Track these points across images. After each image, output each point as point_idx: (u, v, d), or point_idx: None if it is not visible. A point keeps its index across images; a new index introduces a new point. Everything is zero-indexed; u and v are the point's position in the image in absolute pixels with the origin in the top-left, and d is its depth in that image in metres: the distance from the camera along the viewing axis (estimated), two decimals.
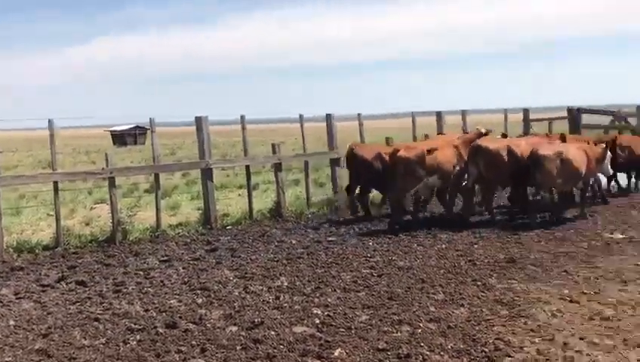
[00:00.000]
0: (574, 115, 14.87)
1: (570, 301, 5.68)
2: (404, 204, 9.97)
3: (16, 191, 14.59)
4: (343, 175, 11.36)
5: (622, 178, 12.39)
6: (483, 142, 9.66)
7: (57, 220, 8.78)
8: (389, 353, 4.63)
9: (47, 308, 5.98)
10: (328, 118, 11.59)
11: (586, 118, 16.01)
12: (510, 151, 9.45)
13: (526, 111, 15.93)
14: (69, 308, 5.95)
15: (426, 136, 12.14)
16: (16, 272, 7.43)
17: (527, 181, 9.60)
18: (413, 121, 13.04)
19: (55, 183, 8.96)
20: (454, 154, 9.71)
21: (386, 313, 5.53)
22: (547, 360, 4.40)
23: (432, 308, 5.60)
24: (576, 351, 4.50)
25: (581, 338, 4.75)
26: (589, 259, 7.21)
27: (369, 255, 7.80)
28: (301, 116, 11.36)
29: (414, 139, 12.64)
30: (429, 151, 9.37)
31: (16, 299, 6.34)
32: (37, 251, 8.44)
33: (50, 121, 8.88)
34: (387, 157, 9.80)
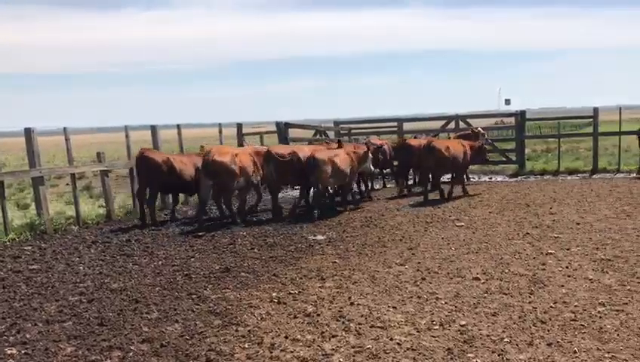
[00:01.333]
0: (281, 129, 16.07)
1: (278, 302, 6.08)
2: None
3: None
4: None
5: None
6: (273, 149, 11.52)
7: None
8: None
9: None
10: (28, 132, 10.42)
11: (292, 132, 17.43)
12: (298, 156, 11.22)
13: (239, 125, 16.73)
14: None
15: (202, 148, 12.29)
16: None
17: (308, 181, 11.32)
18: (127, 135, 12.55)
19: None
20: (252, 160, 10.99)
21: (94, 341, 5.18)
22: None
23: (146, 329, 5.43)
24: (282, 350, 4.82)
25: (286, 337, 5.10)
26: (295, 261, 7.83)
27: (78, 280, 7.23)
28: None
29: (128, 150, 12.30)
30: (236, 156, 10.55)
31: None
32: None
33: None
34: (177, 163, 10.96)
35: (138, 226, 10.77)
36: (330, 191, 12.58)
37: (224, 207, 10.90)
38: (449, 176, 14.13)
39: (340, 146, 12.56)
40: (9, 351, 4.97)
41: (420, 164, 13.40)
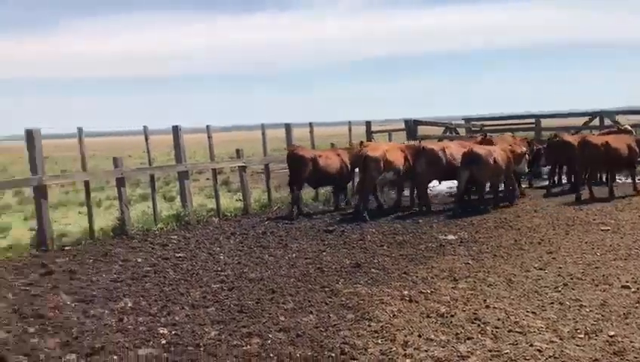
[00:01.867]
0: (410, 126, 15.92)
1: (410, 300, 6.04)
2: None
3: None
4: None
5: None
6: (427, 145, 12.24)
7: None
8: None
9: None
10: (175, 130, 11.26)
11: (421, 129, 17.24)
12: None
13: (368, 123, 16.82)
14: None
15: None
16: None
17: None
18: (263, 133, 13.10)
19: None
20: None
21: (235, 326, 5.48)
22: (390, 359, 4.62)
23: (282, 318, 5.65)
24: (415, 349, 4.79)
25: (419, 336, 5.06)
26: (426, 260, 7.73)
27: (220, 269, 7.69)
28: (145, 128, 10.92)
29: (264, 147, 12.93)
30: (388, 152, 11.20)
31: None
32: None
33: None
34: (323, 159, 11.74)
35: (273, 219, 11.22)
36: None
37: (377, 196, 11.87)
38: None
39: (490, 142, 12.42)
40: (161, 331, 5.41)
41: (579, 161, 12.41)
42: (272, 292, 6.50)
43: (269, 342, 5.07)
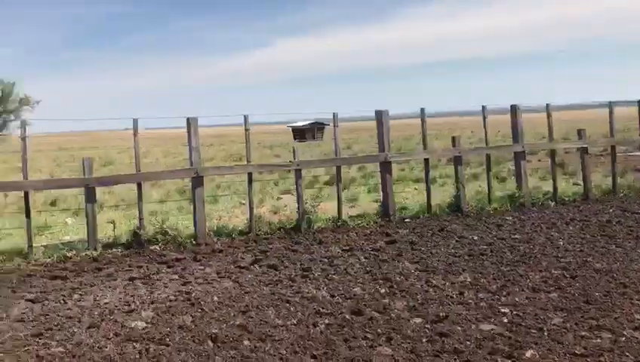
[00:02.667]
0: None
1: None
2: None
3: (213, 181, 16.06)
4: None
5: None
6: None
7: (251, 208, 9.51)
8: (587, 359, 4.31)
9: (244, 288, 6.48)
10: (513, 109, 11.05)
11: None
12: None
13: None
14: (263, 289, 6.40)
15: None
16: (217, 254, 8.18)
17: None
18: (611, 112, 11.88)
19: (249, 174, 9.71)
20: None
21: (582, 317, 5.16)
22: None
23: (638, 316, 5.10)
24: None
25: None
26: None
27: (560, 255, 7.32)
28: (484, 108, 10.96)
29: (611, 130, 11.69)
30: None
31: (218, 277, 6.97)
32: (233, 236, 9.20)
33: (245, 117, 9.61)
34: None
35: (618, 207, 10.17)
36: None
37: None
38: None
39: None
40: (502, 310, 5.43)
41: None
42: (624, 287, 5.91)
43: (623, 339, 4.63)
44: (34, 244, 8.37)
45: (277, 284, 6.58)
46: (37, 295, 6.46)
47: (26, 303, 6.19)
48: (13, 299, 6.39)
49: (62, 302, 6.21)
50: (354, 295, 6.06)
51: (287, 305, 5.82)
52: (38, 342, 5.06)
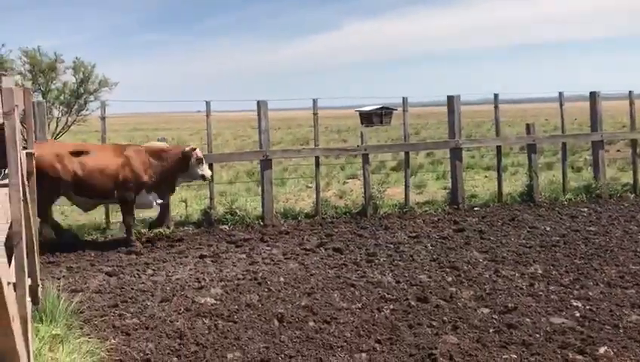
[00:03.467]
0: None
1: None
2: None
3: (280, 165, 16.26)
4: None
5: None
6: None
7: (317, 192, 9.58)
8: None
9: (309, 270, 6.56)
10: (593, 96, 10.55)
11: None
12: None
13: None
14: (328, 272, 6.45)
15: None
16: (284, 236, 8.30)
17: None
18: None
19: (317, 158, 9.77)
20: None
21: None
22: None
23: None
24: None
25: None
26: None
27: (638, 250, 6.98)
28: (561, 94, 10.53)
29: None
30: None
31: (285, 259, 7.08)
32: (299, 218, 9.30)
33: (314, 101, 9.65)
34: None
35: None
36: None
37: None
38: None
39: None
40: (574, 303, 5.24)
41: None
42: None
43: None
44: (111, 220, 8.76)
45: (342, 268, 6.61)
46: (113, 268, 6.78)
47: (104, 276, 6.51)
48: (92, 271, 6.73)
49: (136, 276, 6.49)
50: (420, 282, 6.01)
51: (352, 288, 5.85)
52: (114, 313, 5.32)
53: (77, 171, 7.52)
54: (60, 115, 17.00)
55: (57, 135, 16.12)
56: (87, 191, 7.63)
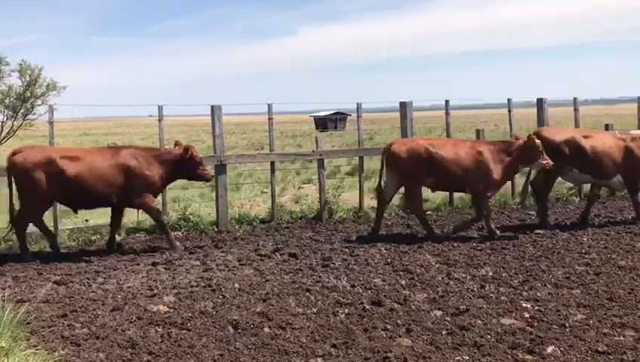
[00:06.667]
0: None
1: None
2: None
3: (235, 170, 16.15)
4: None
5: None
6: None
7: (273, 197, 9.56)
8: (610, 357, 4.27)
9: (264, 276, 6.52)
10: (539, 102, 10.89)
11: None
12: None
13: None
14: (284, 277, 6.43)
15: None
16: (238, 241, 8.25)
17: None
18: None
19: (272, 163, 9.75)
20: None
21: (605, 314, 5.10)
22: None
23: None
24: None
25: None
26: None
27: (583, 251, 7.24)
28: (509, 101, 10.84)
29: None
30: None
31: (239, 265, 7.02)
32: (254, 224, 9.27)
33: (269, 106, 9.63)
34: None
35: None
36: None
37: None
38: None
39: None
40: (523, 304, 5.39)
41: None
42: None
43: None
44: (59, 227, 8.50)
45: (297, 273, 6.61)
46: (62, 277, 6.59)
47: (52, 285, 6.31)
48: (39, 281, 6.52)
49: (86, 284, 6.32)
50: (374, 285, 6.06)
51: (308, 293, 5.85)
52: (63, 323, 5.16)
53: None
54: (4, 120, 16.44)
55: (2, 140, 15.57)
56: None
